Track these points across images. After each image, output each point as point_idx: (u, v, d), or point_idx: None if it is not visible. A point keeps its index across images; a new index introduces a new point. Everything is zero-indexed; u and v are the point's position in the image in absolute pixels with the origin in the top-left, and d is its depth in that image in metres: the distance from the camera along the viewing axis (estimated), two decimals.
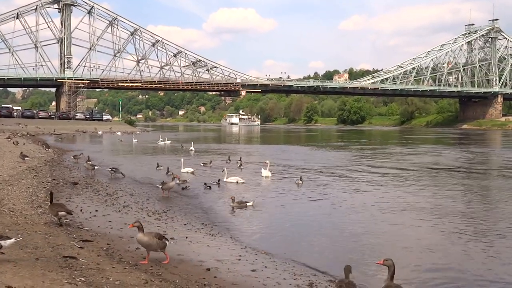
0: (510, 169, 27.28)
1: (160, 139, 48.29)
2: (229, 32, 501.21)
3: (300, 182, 19.59)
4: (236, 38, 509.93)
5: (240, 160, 25.92)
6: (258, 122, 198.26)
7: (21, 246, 7.48)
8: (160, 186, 16.26)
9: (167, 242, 7.77)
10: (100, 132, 66.39)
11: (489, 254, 9.83)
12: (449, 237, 11.22)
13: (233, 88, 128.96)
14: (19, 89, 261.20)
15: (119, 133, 66.85)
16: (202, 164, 25.20)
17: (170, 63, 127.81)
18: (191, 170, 22.62)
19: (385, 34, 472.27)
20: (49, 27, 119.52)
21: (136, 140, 50.72)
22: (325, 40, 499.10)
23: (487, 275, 8.57)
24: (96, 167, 21.23)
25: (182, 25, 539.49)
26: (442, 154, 38.94)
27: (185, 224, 11.58)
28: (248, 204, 14.12)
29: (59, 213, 9.63)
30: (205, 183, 17.89)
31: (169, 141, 47.96)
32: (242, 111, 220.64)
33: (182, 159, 24.03)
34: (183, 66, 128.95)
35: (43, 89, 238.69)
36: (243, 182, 19.37)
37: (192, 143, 39.79)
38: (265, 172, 21.36)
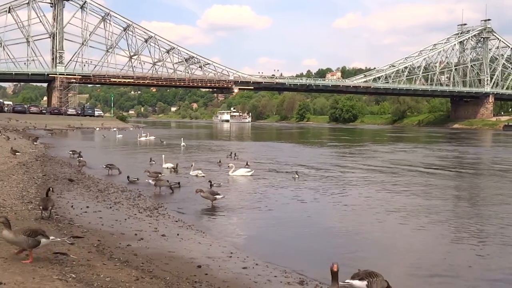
0: (497, 168, 27.48)
1: (143, 134, 48.78)
2: (224, 29, 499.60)
3: (297, 176, 20.23)
4: (230, 35, 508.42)
5: (236, 155, 27.63)
6: (249, 119, 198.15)
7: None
8: (153, 183, 16.25)
9: (42, 240, 6.67)
10: (97, 129, 66.39)
11: (478, 252, 9.90)
12: (437, 236, 11.32)
13: (225, 85, 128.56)
14: (10, 83, 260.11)
15: (114, 129, 66.86)
16: (217, 163, 25.11)
17: (163, 59, 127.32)
18: (171, 165, 22.80)
19: (379, 33, 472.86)
20: (41, 21, 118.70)
21: (120, 135, 50.94)
22: (319, 38, 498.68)
23: (475, 273, 8.64)
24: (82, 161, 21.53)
25: (176, 21, 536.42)
26: (430, 153, 39.25)
27: (176, 221, 11.58)
28: (217, 197, 13.96)
29: (40, 207, 9.74)
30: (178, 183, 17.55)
31: (153, 137, 48.47)
32: (234, 108, 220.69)
33: (163, 155, 24.14)
34: (176, 63, 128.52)
35: (34, 84, 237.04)
36: (203, 176, 19.77)
37: (182, 139, 40.61)
38: (240, 171, 21.20)
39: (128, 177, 18.05)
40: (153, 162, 23.84)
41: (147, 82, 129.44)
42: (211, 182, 17.06)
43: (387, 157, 33.39)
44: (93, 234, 9.07)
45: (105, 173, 19.75)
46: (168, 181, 16.55)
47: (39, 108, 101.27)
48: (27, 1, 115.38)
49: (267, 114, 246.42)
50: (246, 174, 20.99)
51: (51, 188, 10.66)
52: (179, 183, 17.17)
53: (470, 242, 10.61)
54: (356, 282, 6.10)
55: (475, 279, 8.39)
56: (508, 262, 9.47)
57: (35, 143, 29.98)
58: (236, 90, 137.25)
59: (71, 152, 25.63)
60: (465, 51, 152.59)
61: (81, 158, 22.89)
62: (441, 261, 9.24)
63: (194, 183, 17.99)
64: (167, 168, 22.41)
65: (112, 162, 21.54)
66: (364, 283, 6.10)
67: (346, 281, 6.17)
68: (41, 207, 9.69)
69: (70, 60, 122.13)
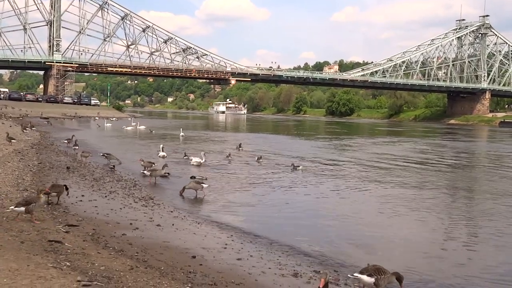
0: (490, 163, 27.61)
1: (133, 124, 49.76)
2: (222, 20, 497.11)
3: (300, 167, 20.71)
4: (229, 26, 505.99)
5: (241, 147, 28.21)
6: (245, 111, 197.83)
7: (6, 229, 7.45)
8: (149, 173, 16.24)
9: None
10: (97, 118, 66.34)
11: (473, 245, 9.97)
12: (433, 225, 11.38)
13: (222, 77, 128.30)
14: (7, 70, 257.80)
15: (114, 119, 66.99)
16: (226, 157, 24.45)
17: (160, 49, 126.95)
18: (162, 154, 23.25)
19: (377, 27, 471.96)
20: (38, 9, 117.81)
21: (109, 124, 51.20)
22: (317, 31, 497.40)
23: (470, 267, 8.70)
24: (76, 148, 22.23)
25: (175, 11, 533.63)
26: (426, 147, 39.38)
27: (171, 211, 11.59)
28: (204, 185, 14.01)
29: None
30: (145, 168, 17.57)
31: (143, 126, 49.00)
32: (230, 100, 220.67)
33: (161, 145, 24.66)
34: (173, 53, 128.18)
35: (31, 71, 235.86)
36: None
37: (181, 129, 41.30)
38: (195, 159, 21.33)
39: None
40: (162, 153, 23.94)
41: (144, 72, 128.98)
42: (194, 177, 16.46)
43: (382, 150, 33.60)
44: (88, 223, 9.06)
45: (100, 162, 19.68)
46: (166, 166, 16.52)
47: (35, 95, 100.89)
48: None
49: (263, 106, 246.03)
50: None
51: (67, 187, 10.93)
52: (168, 173, 17.09)
53: (466, 234, 10.69)
54: (364, 277, 6.22)
55: (473, 269, 8.45)
56: (504, 253, 9.60)
57: (24, 130, 29.41)
58: (233, 81, 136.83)
59: (66, 141, 25.60)
60: (463, 46, 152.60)
61: (77, 147, 23.01)
62: (438, 251, 9.31)
63: (187, 174, 17.99)
64: (161, 156, 22.74)
65: (108, 151, 21.55)
66: (372, 280, 6.21)
67: (355, 274, 6.32)
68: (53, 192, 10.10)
69: (67, 48, 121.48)
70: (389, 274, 6.44)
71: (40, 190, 8.86)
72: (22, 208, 8.24)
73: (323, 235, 10.46)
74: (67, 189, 10.66)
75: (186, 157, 22.61)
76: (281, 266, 8.00)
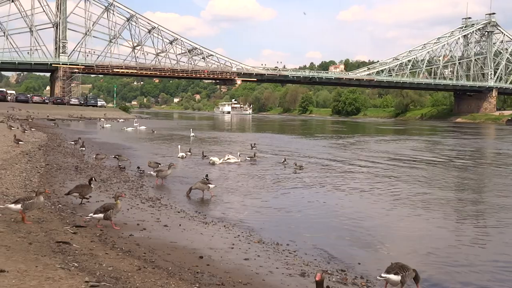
0: (498, 161, 27.51)
1: (135, 124, 50.99)
2: (228, 20, 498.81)
3: (302, 166, 20.79)
4: (234, 26, 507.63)
5: (254, 147, 27.98)
6: (250, 111, 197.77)
7: (14, 231, 7.48)
8: (155, 174, 16.28)
9: None
10: (102, 120, 66.68)
11: (478, 240, 9.93)
12: (439, 223, 11.36)
13: (228, 77, 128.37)
14: (13, 73, 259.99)
15: (121, 120, 67.26)
16: (248, 158, 23.76)
17: (166, 50, 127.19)
18: (181, 154, 23.66)
19: (383, 26, 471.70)
20: (44, 11, 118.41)
21: (109, 125, 51.63)
22: (323, 30, 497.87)
23: (476, 261, 8.67)
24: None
25: (180, 12, 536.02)
26: (432, 145, 39.28)
27: (178, 212, 11.61)
28: (210, 186, 14.03)
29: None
30: (138, 167, 18.08)
31: (143, 127, 50.02)
32: (235, 100, 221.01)
33: (179, 146, 25.06)
34: (179, 54, 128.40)
35: (37, 73, 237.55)
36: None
37: (191, 129, 42.12)
38: (214, 159, 21.77)
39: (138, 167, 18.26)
40: (188, 154, 24.31)
41: (150, 73, 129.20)
42: (206, 176, 16.34)
43: (388, 149, 33.47)
44: (95, 224, 9.09)
45: (108, 163, 19.72)
46: (172, 166, 16.58)
47: (42, 97, 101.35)
48: None
49: (269, 106, 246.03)
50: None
51: (93, 178, 11.45)
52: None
53: (475, 232, 10.66)
54: (392, 276, 6.62)
55: (482, 266, 8.43)
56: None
57: (24, 132, 29.08)
58: (239, 81, 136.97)
59: (73, 142, 25.74)
60: (469, 44, 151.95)
61: (83, 148, 23.19)
62: (447, 249, 9.30)
63: (197, 174, 18.01)
64: (180, 157, 23.19)
65: (118, 152, 21.68)
66: (399, 277, 6.61)
67: (383, 275, 6.68)
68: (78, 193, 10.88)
69: (73, 50, 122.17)
70: (411, 270, 6.79)
71: (117, 196, 9.37)
72: (101, 215, 8.80)
73: (331, 235, 10.44)
74: (93, 179, 10.95)
75: (205, 157, 23.02)
76: (288, 266, 7.99)
